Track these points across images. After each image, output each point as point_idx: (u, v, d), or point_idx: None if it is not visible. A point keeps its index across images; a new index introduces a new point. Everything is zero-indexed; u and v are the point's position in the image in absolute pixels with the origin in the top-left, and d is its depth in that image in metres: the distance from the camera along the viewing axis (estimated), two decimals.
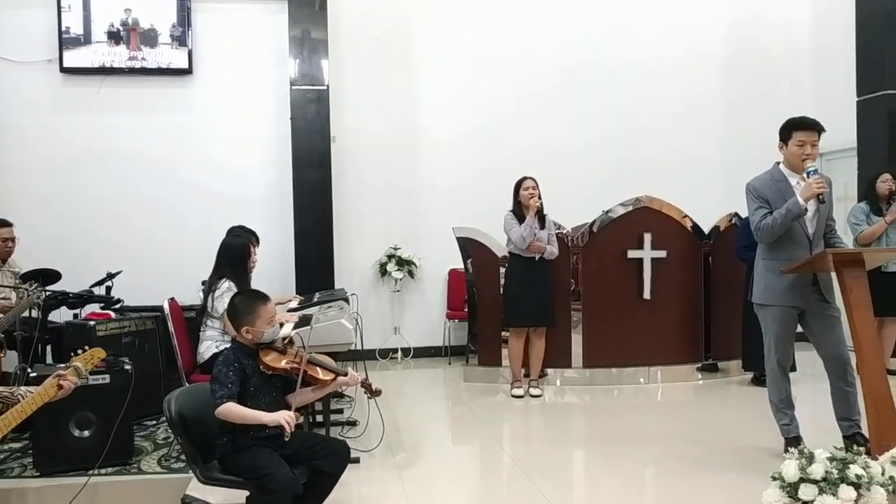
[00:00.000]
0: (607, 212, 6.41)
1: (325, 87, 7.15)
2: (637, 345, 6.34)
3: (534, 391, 5.93)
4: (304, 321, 4.17)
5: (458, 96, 7.77)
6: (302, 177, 7.13)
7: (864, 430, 3.81)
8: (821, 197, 3.75)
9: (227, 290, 4.33)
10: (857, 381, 3.82)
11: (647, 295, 6.31)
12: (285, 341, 3.09)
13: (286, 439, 2.81)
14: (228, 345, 3.19)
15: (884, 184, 6.25)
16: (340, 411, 5.29)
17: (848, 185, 7.33)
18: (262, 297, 3.06)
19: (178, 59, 7.09)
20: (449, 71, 7.77)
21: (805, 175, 3.82)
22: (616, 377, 6.32)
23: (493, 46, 7.81)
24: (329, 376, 3.02)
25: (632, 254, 6.32)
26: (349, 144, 7.54)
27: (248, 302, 3.02)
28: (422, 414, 5.67)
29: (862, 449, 3.09)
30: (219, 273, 4.52)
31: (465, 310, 6.90)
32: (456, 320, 7.51)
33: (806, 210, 3.83)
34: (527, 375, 6.06)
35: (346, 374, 3.09)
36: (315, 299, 5.25)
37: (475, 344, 6.58)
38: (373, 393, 3.18)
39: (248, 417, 2.85)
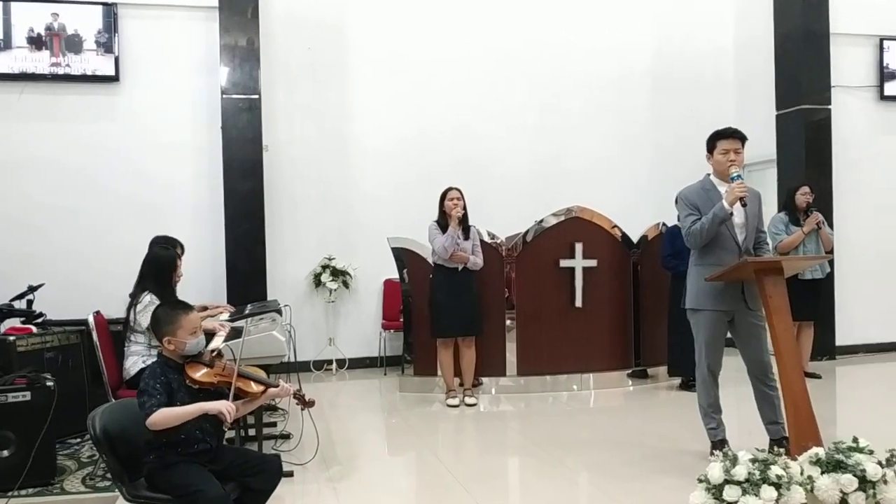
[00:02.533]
0: (540, 222, 6.50)
1: (257, 96, 7.05)
2: (570, 352, 6.44)
3: (469, 400, 5.96)
4: (234, 333, 4.10)
5: (391, 106, 7.78)
6: (233, 186, 7.01)
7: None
8: (743, 200, 3.90)
9: (149, 303, 4.23)
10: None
11: (578, 303, 6.43)
12: (213, 354, 3.03)
13: (226, 429, 2.73)
14: (155, 359, 3.10)
15: (803, 196, 6.54)
16: (274, 424, 5.21)
17: (768, 196, 7.60)
18: (185, 307, 3.00)
19: (103, 65, 6.89)
20: (382, 81, 7.78)
21: (730, 181, 3.97)
22: (550, 384, 6.41)
23: (426, 58, 7.86)
24: (260, 388, 2.97)
25: (564, 263, 6.43)
26: (282, 154, 7.46)
27: (170, 312, 2.95)
28: (357, 425, 5.63)
29: (782, 450, 3.21)
30: (141, 286, 4.40)
31: (401, 320, 6.89)
32: (392, 330, 7.49)
33: (731, 214, 3.97)
34: (461, 385, 6.09)
35: (277, 386, 3.05)
36: (247, 311, 5.17)
37: (411, 354, 6.57)
38: (305, 404, 3.14)
39: (185, 413, 2.76)
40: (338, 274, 7.46)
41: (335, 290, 7.48)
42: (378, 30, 7.79)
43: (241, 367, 2.99)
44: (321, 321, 7.62)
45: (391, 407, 6.19)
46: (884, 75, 7.94)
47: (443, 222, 5.89)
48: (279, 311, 4.85)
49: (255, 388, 2.97)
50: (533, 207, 6.92)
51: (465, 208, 5.89)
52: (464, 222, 5.91)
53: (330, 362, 7.63)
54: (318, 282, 7.47)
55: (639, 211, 7.38)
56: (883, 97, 7.98)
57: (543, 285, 6.44)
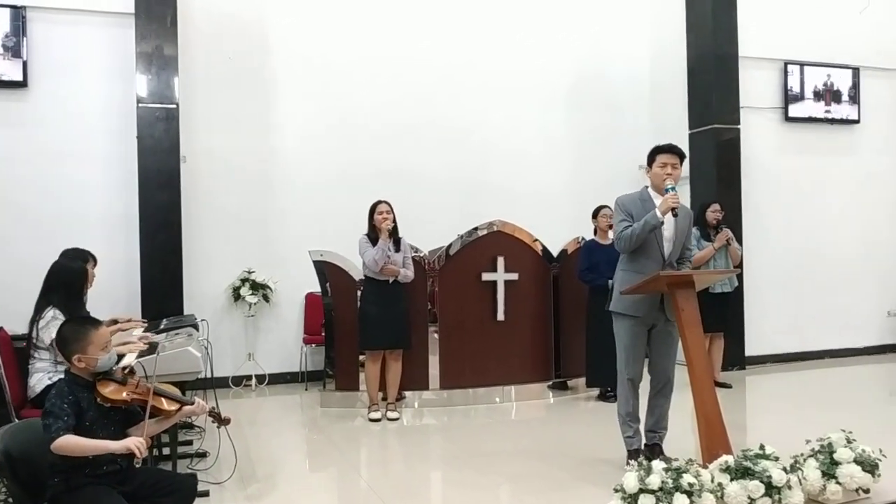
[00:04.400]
0: (462, 235, 6.55)
1: (174, 106, 6.87)
2: (492, 365, 6.49)
3: (391, 414, 5.93)
4: (148, 349, 3.97)
5: (314, 118, 7.72)
6: (149, 197, 6.79)
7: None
8: (675, 211, 4.04)
9: (52, 318, 4.06)
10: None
11: (500, 316, 6.49)
12: (125, 371, 2.93)
13: (137, 465, 2.64)
14: (62, 376, 2.98)
15: (713, 213, 6.82)
16: (189, 443, 5.05)
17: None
18: (93, 322, 2.90)
19: (11, 70, 6.59)
20: (305, 92, 7.71)
21: (664, 192, 4.11)
22: (472, 397, 6.44)
23: (350, 70, 7.84)
24: (174, 406, 2.89)
25: (486, 276, 6.49)
26: (201, 164, 7.29)
27: (78, 328, 2.84)
28: (277, 442, 5.52)
29: (693, 459, 3.32)
30: (45, 299, 4.22)
31: (323, 334, 6.81)
32: (313, 345, 7.38)
33: (662, 222, 4.09)
34: (384, 399, 6.06)
35: (192, 404, 2.96)
36: (162, 326, 5.03)
37: (332, 369, 6.51)
38: (221, 421, 3.07)
39: (91, 448, 2.65)
40: (258, 287, 7.32)
41: (255, 303, 7.33)
42: (301, 41, 7.72)
43: (155, 385, 2.90)
44: (240, 336, 7.46)
45: (312, 423, 6.10)
46: (788, 98, 8.35)
47: (373, 235, 5.87)
48: (195, 326, 4.74)
49: (168, 405, 2.88)
50: (457, 221, 6.97)
51: (394, 221, 5.90)
52: (394, 235, 5.91)
53: (249, 378, 7.46)
54: (237, 295, 7.32)
55: (559, 225, 7.50)
56: (787, 118, 8.38)
57: (466, 298, 6.49)
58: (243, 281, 7.32)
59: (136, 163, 6.80)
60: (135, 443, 2.65)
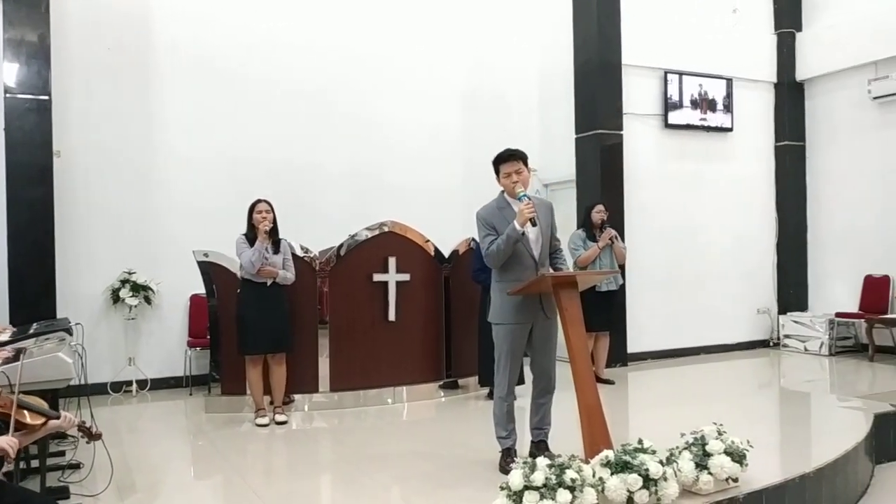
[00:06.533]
0: (353, 236, 6.50)
1: (47, 97, 6.49)
2: (383, 366, 6.47)
3: (279, 418, 5.81)
4: (14, 356, 3.72)
5: (201, 112, 7.47)
6: (18, 194, 6.39)
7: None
8: (533, 221, 4.10)
9: None
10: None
11: (392, 317, 6.48)
12: None
13: (9, 462, 2.46)
14: None
15: (597, 214, 7.05)
16: (62, 454, 4.78)
17: (569, 214, 8.12)
18: None
19: None
20: (191, 85, 7.45)
21: (518, 200, 4.15)
22: (364, 399, 6.40)
23: (239, 63, 7.63)
24: (38, 420, 2.71)
25: (377, 277, 6.47)
26: (77, 160, 6.92)
27: None
28: (158, 451, 5.30)
29: (575, 455, 3.42)
30: None
31: (208, 337, 6.60)
32: (198, 348, 7.14)
33: (523, 233, 4.16)
34: (272, 403, 5.93)
35: (58, 417, 2.79)
36: (31, 330, 4.73)
37: (218, 372, 6.32)
38: (91, 436, 2.91)
39: None
40: (139, 289, 7.01)
41: (136, 306, 7.02)
42: (188, 33, 7.45)
43: (19, 396, 2.71)
44: (120, 340, 7.13)
45: (197, 429, 5.90)
46: (668, 105, 8.74)
47: (251, 235, 5.72)
48: (69, 331, 4.49)
49: (33, 419, 2.70)
50: (351, 221, 6.88)
51: (274, 221, 5.76)
52: (273, 235, 5.78)
53: (130, 383, 7.14)
54: (116, 297, 6.99)
55: (452, 225, 7.58)
56: (667, 125, 8.77)
57: (357, 299, 6.44)
58: (123, 282, 7.00)
59: (2, 157, 6.39)
60: (7, 441, 2.50)
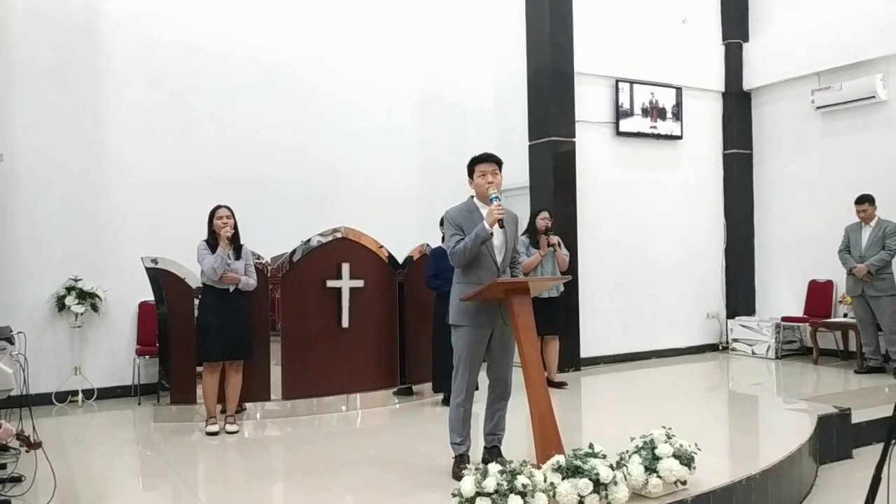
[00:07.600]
0: (307, 241, 6.45)
1: None
2: (337, 373, 6.43)
3: (230, 427, 5.72)
4: None
5: (150, 116, 7.36)
6: None
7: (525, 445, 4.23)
8: (501, 222, 4.13)
9: None
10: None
11: (345, 323, 6.45)
12: None
13: None
14: None
15: (542, 220, 7.11)
16: (3, 466, 4.62)
17: (522, 221, 8.14)
18: None
19: None
20: (141, 89, 7.34)
21: (490, 202, 4.19)
22: (317, 407, 6.35)
23: (190, 66, 7.54)
24: None
25: (331, 283, 6.42)
26: (19, 164, 6.74)
27: None
28: (104, 462, 5.17)
29: (527, 461, 3.44)
30: None
31: (157, 345, 6.47)
32: (147, 356, 7.00)
33: (492, 234, 4.19)
34: (223, 411, 5.84)
35: None
36: None
37: (168, 381, 6.20)
38: (31, 445, 2.84)
39: None
40: (85, 296, 6.85)
41: (82, 313, 6.86)
42: (137, 34, 7.33)
43: None
44: (65, 348, 6.95)
45: (145, 439, 5.77)
46: (619, 113, 8.87)
47: (213, 241, 5.65)
48: (10, 339, 4.35)
49: None
50: (304, 226, 6.82)
51: (235, 227, 5.71)
52: (235, 241, 5.72)
53: (76, 393, 6.96)
54: (61, 305, 6.82)
55: (405, 232, 7.57)
56: (618, 133, 8.89)
57: (310, 306, 6.39)
58: (69, 289, 6.83)
59: None
60: None
